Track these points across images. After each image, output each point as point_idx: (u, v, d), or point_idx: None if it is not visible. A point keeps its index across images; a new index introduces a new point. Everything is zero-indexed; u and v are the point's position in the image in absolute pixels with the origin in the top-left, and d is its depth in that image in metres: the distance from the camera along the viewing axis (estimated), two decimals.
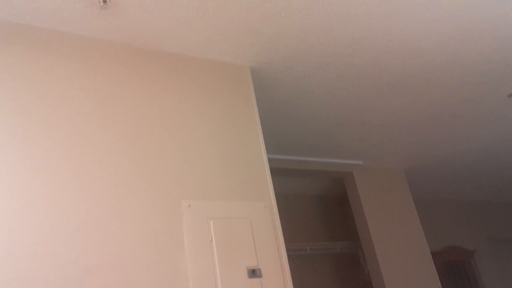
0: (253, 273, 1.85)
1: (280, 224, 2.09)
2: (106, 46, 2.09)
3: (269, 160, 2.27)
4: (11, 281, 1.45)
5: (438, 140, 3.88)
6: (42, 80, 1.85)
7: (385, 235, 3.91)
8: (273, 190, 2.16)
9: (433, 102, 3.21)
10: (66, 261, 1.55)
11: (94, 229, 1.65)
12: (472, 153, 4.29)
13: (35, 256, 1.51)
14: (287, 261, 2.01)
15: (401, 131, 3.61)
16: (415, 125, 3.54)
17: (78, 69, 1.95)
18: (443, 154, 4.21)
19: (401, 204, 4.20)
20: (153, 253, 1.71)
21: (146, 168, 1.87)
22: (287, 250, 2.04)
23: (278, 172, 3.68)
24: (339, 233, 4.49)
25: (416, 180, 4.71)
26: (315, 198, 4.64)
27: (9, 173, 1.60)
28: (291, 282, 1.97)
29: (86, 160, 1.76)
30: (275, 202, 2.13)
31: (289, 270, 1.99)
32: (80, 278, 1.55)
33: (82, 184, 1.71)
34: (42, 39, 1.95)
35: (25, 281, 1.47)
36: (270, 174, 2.20)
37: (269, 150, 3.45)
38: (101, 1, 1.89)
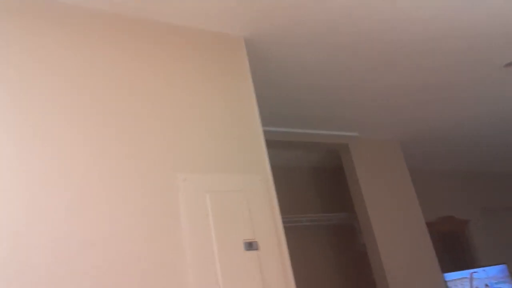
0: (250, 245, 1.86)
1: (276, 196, 2.09)
2: (94, 15, 2.03)
3: (265, 132, 2.24)
4: (6, 257, 1.44)
5: (433, 110, 3.87)
6: (22, 55, 1.79)
7: (381, 207, 3.93)
8: (269, 163, 2.15)
9: (429, 71, 3.18)
10: (60, 237, 1.54)
11: (88, 204, 1.63)
12: (467, 123, 4.29)
13: (28, 233, 1.50)
14: (283, 233, 2.01)
15: (397, 102, 3.59)
16: (410, 95, 3.52)
17: (64, 38, 1.90)
18: (438, 124, 4.21)
19: (397, 175, 4.22)
20: (149, 227, 1.70)
21: (140, 142, 1.84)
22: (283, 222, 2.04)
23: (273, 144, 3.66)
24: (334, 205, 4.51)
25: (411, 151, 4.72)
26: (311, 170, 4.64)
27: None
28: (288, 254, 1.98)
29: (79, 136, 1.73)
30: (271, 175, 2.12)
31: (285, 242, 1.99)
32: (75, 253, 1.54)
33: (74, 159, 1.68)
34: (31, 7, 1.89)
35: (19, 258, 1.46)
36: (266, 147, 2.18)
37: (264, 122, 3.42)
38: None
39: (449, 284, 4.21)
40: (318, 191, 4.58)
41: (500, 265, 4.87)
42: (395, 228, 3.90)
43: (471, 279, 4.53)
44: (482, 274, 4.66)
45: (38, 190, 1.57)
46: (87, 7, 2.03)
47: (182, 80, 2.10)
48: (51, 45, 1.85)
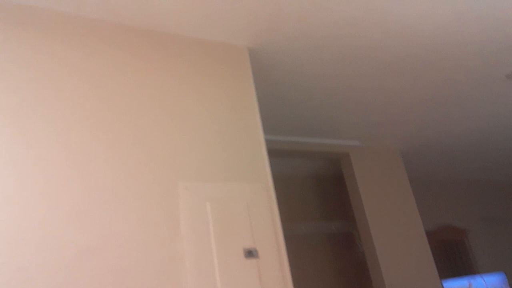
0: (250, 253, 1.87)
1: (277, 205, 2.10)
2: (101, 26, 2.07)
3: (266, 141, 2.26)
4: (4, 263, 1.44)
5: (434, 121, 3.88)
6: (35, 60, 1.83)
7: (380, 215, 3.94)
8: (270, 172, 2.16)
9: (431, 83, 3.20)
10: (62, 243, 1.55)
11: (90, 211, 1.64)
12: (468, 134, 4.30)
13: (30, 239, 1.51)
14: (283, 241, 2.02)
15: (398, 112, 3.61)
16: (412, 106, 3.54)
17: (71, 49, 1.93)
18: (439, 134, 4.22)
19: (397, 184, 4.23)
20: (150, 235, 1.71)
21: (142, 150, 1.86)
22: (283, 230, 2.06)
23: (275, 153, 3.69)
24: (334, 213, 4.53)
25: (412, 160, 4.73)
26: (311, 179, 4.66)
27: (1, 157, 1.59)
28: (287, 262, 1.99)
29: (81, 142, 1.75)
30: (272, 183, 2.14)
31: (285, 250, 2.00)
32: (76, 260, 1.55)
33: (77, 166, 1.70)
34: (35, 18, 1.93)
35: (21, 264, 1.47)
36: (267, 156, 2.20)
37: (266, 131, 3.45)
38: None
39: None
40: (318, 199, 4.59)
41: (499, 273, 4.88)
42: (395, 237, 3.91)
43: (470, 287, 4.54)
44: (480, 282, 4.67)
45: (38, 197, 1.58)
46: (93, 18, 2.07)
47: (184, 90, 2.12)
48: (57, 57, 1.89)
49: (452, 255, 5.14)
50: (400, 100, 3.39)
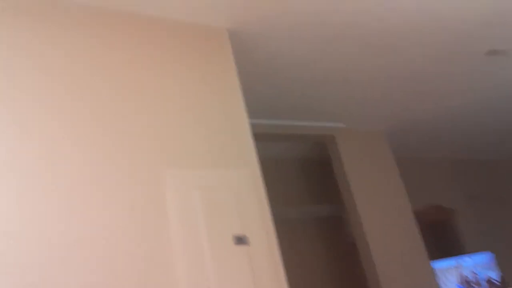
0: (240, 240, 1.84)
1: (264, 190, 2.08)
2: (78, 10, 1.98)
3: (251, 125, 2.22)
4: None
5: (418, 100, 3.89)
6: (22, 44, 1.74)
7: (368, 197, 3.94)
8: (256, 156, 2.13)
9: (413, 61, 3.19)
10: (50, 235, 1.53)
11: (78, 202, 1.62)
12: (451, 112, 4.33)
13: (19, 232, 1.48)
14: (272, 226, 2.01)
15: (382, 91, 3.60)
16: (395, 84, 3.53)
17: (51, 33, 1.85)
18: (423, 114, 4.24)
19: (383, 165, 4.23)
20: (138, 224, 1.69)
21: (127, 139, 1.82)
22: (272, 215, 2.02)
23: (260, 137, 3.64)
24: (322, 197, 4.52)
25: (398, 141, 4.75)
26: (298, 162, 4.63)
27: None
28: (277, 247, 1.97)
29: (66, 133, 1.70)
30: (259, 168, 2.10)
31: (275, 235, 1.99)
32: (65, 252, 1.53)
33: (64, 156, 1.66)
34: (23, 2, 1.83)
35: (12, 256, 1.44)
36: (253, 140, 2.16)
37: (251, 115, 3.40)
38: None
39: (436, 272, 4.25)
40: (306, 183, 4.57)
41: (487, 253, 4.93)
42: (383, 218, 3.91)
43: (458, 267, 4.58)
44: (469, 262, 4.71)
45: (28, 189, 1.55)
46: (72, 1, 1.97)
47: (165, 74, 2.06)
48: (34, 39, 1.80)
49: (440, 235, 5.17)
50: (382, 78, 3.38)
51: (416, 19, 2.68)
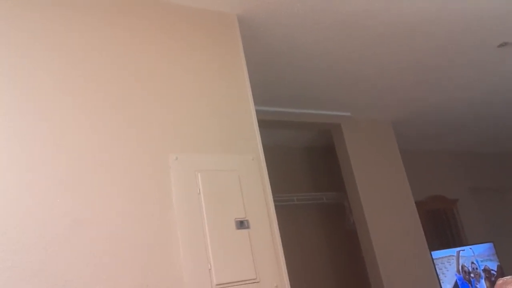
0: (241, 224, 1.87)
1: (267, 176, 2.10)
2: None
3: (257, 112, 2.24)
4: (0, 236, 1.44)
5: (425, 91, 3.87)
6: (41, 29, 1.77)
7: (371, 186, 3.96)
8: (261, 143, 2.15)
9: (422, 53, 3.17)
10: (53, 214, 1.54)
11: (80, 183, 1.63)
12: (459, 104, 4.31)
13: (20, 211, 1.50)
14: (274, 212, 2.03)
15: (390, 82, 3.59)
16: (403, 76, 3.51)
17: (59, 18, 1.87)
18: (430, 105, 4.22)
19: (388, 155, 4.24)
20: (140, 206, 1.71)
21: (132, 121, 1.84)
22: (274, 201, 2.05)
23: (266, 124, 3.65)
24: (325, 184, 4.54)
25: (403, 131, 4.73)
26: (302, 150, 4.66)
27: None
28: (278, 232, 1.99)
29: (71, 114, 1.72)
30: (263, 154, 2.13)
31: (276, 220, 2.01)
32: (69, 231, 1.55)
33: (66, 136, 1.67)
34: None
35: (13, 236, 1.46)
36: (258, 127, 2.18)
37: (256, 101, 3.39)
38: None
39: (436, 261, 4.29)
40: (310, 170, 4.60)
41: (487, 244, 4.95)
42: (385, 207, 3.94)
43: (458, 257, 4.61)
44: (469, 252, 4.74)
45: (29, 167, 1.57)
46: None
47: (173, 59, 2.08)
48: (53, 25, 1.83)
49: (441, 225, 5.20)
50: (391, 70, 3.37)
51: (428, 11, 2.67)
